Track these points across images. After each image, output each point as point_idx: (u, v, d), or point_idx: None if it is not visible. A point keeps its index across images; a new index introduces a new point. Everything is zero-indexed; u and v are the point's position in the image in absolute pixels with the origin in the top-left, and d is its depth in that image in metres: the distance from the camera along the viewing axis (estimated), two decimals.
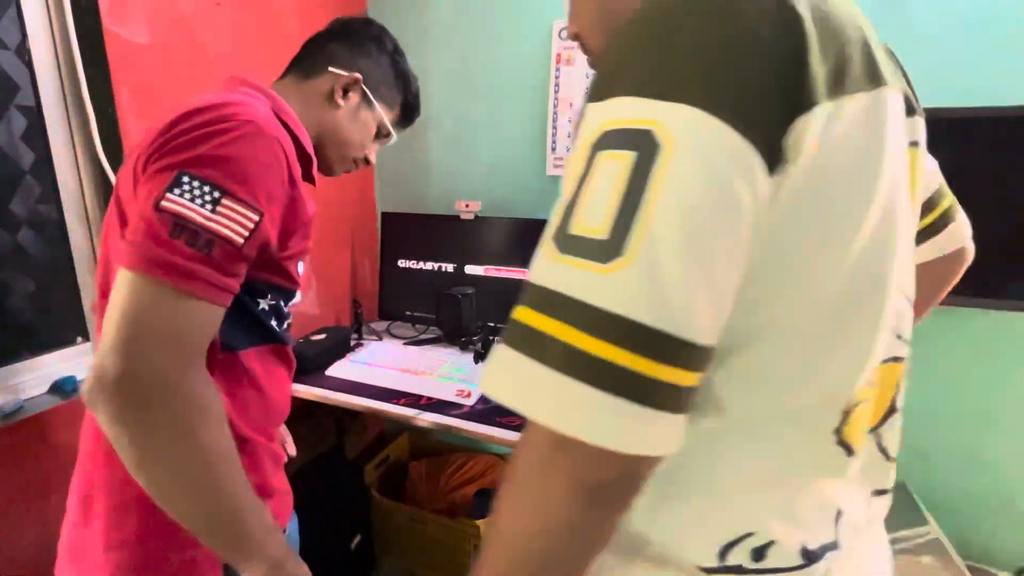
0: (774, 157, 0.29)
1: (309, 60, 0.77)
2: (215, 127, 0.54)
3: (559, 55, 1.50)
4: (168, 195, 0.50)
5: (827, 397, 0.38)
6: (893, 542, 1.12)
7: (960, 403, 1.31)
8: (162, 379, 0.48)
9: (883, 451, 0.44)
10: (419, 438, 1.92)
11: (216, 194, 0.52)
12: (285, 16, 1.40)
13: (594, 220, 0.30)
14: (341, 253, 1.73)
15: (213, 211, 0.51)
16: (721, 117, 0.28)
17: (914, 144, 0.43)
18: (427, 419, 1.12)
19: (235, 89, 0.66)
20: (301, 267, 0.72)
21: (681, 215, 0.29)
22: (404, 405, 1.17)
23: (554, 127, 1.54)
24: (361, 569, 1.66)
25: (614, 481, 0.32)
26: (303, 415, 1.42)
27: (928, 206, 0.62)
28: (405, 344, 1.62)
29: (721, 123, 0.29)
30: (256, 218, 0.54)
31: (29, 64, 0.96)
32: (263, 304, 0.67)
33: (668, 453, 0.32)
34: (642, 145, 0.29)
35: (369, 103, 0.80)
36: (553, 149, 1.56)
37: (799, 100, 0.29)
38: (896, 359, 0.43)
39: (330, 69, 0.76)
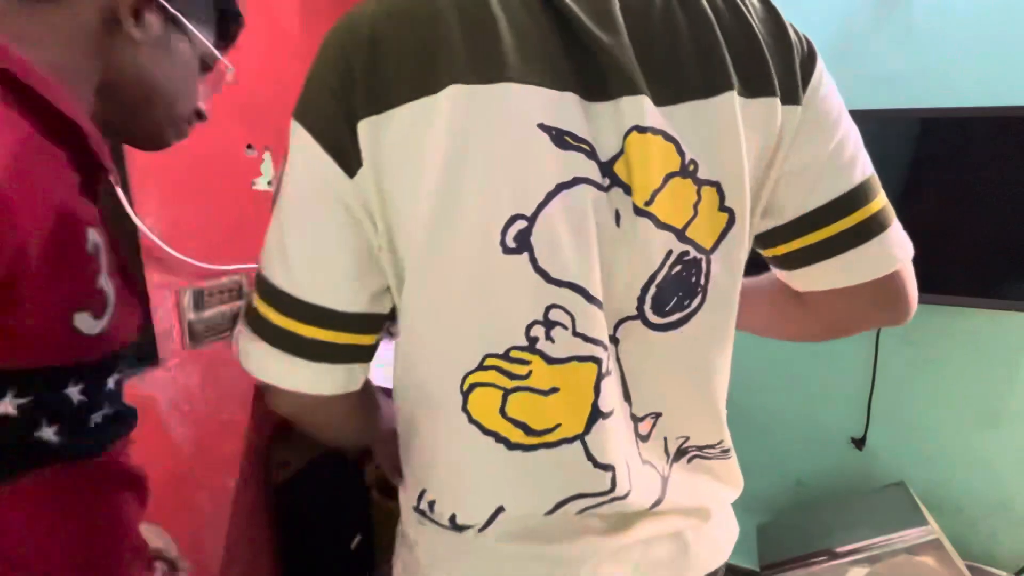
0: (349, 159, 0.38)
1: None
2: None
3: None
4: None
5: (444, 371, 0.43)
6: (893, 542, 1.12)
7: (960, 403, 1.30)
8: None
9: (591, 458, 0.43)
10: None
11: None
12: (285, 16, 1.40)
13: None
14: None
15: None
16: (305, 127, 0.39)
17: (641, 129, 0.39)
18: None
19: None
20: (91, 320, 0.39)
21: (287, 199, 0.41)
22: None
23: None
24: (361, 569, 1.65)
25: (298, 409, 0.47)
26: None
27: (833, 211, 0.47)
28: None
29: (305, 132, 0.39)
30: None
31: None
32: (3, 407, 0.35)
33: (324, 392, 0.44)
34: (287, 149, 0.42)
35: (175, 23, 0.47)
36: None
37: (351, 118, 0.38)
38: (580, 359, 0.41)
39: None
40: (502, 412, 0.42)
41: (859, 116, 1.16)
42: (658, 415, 0.48)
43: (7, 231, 0.32)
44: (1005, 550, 1.33)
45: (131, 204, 1.04)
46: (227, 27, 0.54)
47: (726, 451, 0.53)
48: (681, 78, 0.40)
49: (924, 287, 1.20)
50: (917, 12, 1.18)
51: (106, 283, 0.41)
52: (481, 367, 0.41)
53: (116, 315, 0.43)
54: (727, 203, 0.43)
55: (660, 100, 0.40)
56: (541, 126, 0.37)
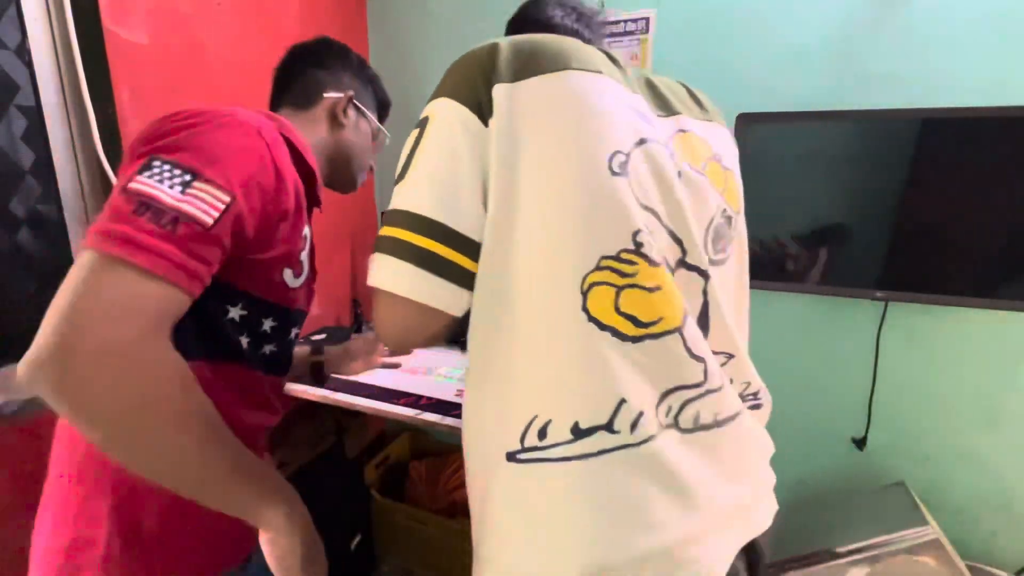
0: (483, 113, 0.51)
1: (299, 91, 0.83)
2: (193, 119, 0.56)
3: None
4: (137, 177, 0.50)
5: (561, 277, 0.50)
6: (893, 542, 1.12)
7: (960, 403, 1.30)
8: (108, 347, 0.44)
9: (687, 348, 0.53)
10: (419, 438, 1.92)
11: (187, 176, 0.51)
12: (285, 16, 1.40)
13: (402, 162, 0.54)
14: (341, 253, 1.73)
15: (182, 192, 0.50)
16: (452, 98, 0.53)
17: (681, 131, 0.61)
18: (427, 419, 1.12)
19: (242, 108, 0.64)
20: (292, 277, 0.68)
21: (429, 152, 0.52)
22: (404, 405, 1.17)
23: None
24: (361, 569, 1.65)
25: (417, 327, 0.53)
26: (304, 415, 1.41)
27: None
28: None
29: (453, 101, 0.52)
30: (227, 199, 0.53)
31: (29, 64, 0.96)
32: (232, 312, 0.63)
33: (452, 312, 0.52)
34: (423, 123, 0.54)
35: (362, 113, 0.88)
36: None
37: (489, 83, 0.52)
38: (692, 268, 0.56)
39: (325, 95, 0.83)
40: (616, 308, 0.50)
41: (859, 116, 1.15)
42: (731, 356, 0.60)
43: (290, 185, 0.64)
44: (1005, 550, 1.33)
45: None
46: (387, 110, 0.96)
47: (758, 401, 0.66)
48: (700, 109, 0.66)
49: (924, 287, 1.21)
50: (917, 12, 1.18)
51: (305, 260, 0.70)
52: (598, 267, 0.49)
53: (304, 285, 0.73)
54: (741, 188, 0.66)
55: (694, 116, 0.64)
56: (628, 104, 0.55)
